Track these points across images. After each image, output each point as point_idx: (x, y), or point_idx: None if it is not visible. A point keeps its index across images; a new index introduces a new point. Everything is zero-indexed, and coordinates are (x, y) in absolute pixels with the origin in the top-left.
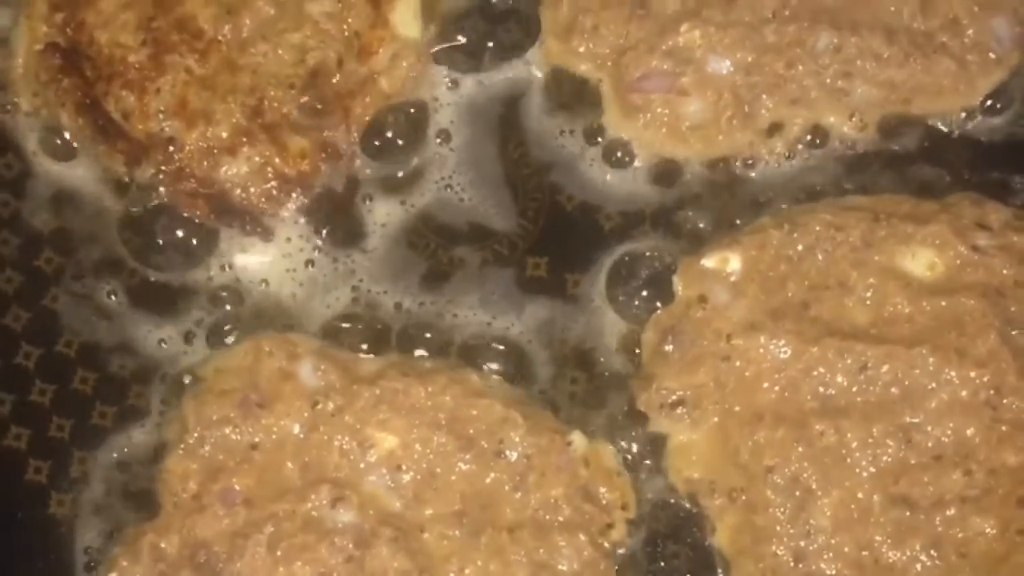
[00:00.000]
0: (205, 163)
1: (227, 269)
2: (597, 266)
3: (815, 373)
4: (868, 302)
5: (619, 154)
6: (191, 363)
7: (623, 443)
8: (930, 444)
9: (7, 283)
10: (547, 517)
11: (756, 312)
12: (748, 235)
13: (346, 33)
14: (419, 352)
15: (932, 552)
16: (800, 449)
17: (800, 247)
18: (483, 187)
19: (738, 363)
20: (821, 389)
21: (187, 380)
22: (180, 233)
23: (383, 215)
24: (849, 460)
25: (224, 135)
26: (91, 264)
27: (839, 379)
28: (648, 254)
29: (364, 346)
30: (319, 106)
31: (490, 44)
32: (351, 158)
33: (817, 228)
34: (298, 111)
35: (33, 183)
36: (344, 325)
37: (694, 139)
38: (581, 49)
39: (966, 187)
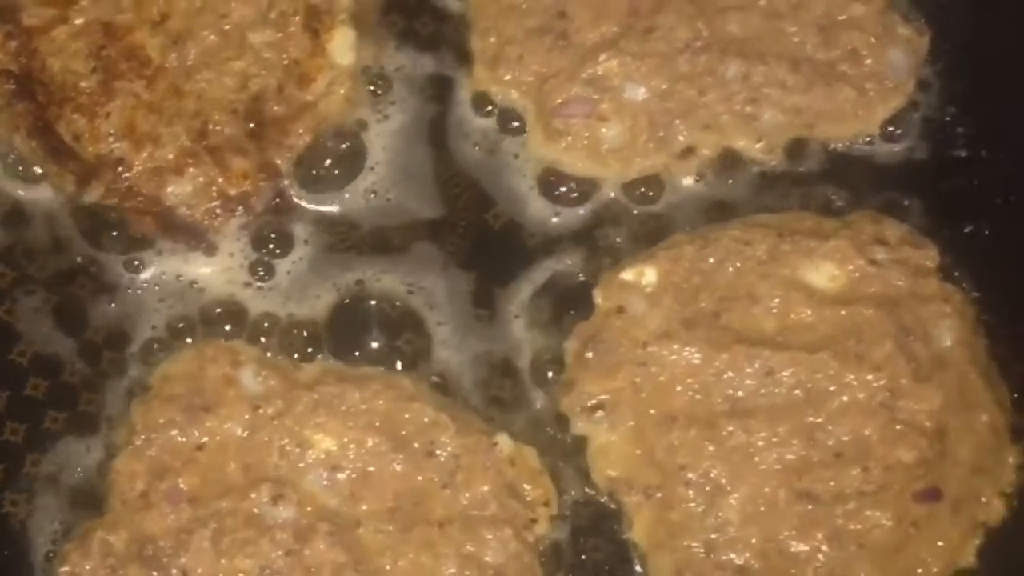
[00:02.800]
0: (152, 183)
1: (172, 283)
2: (522, 280)
3: (725, 377)
4: (774, 311)
5: (542, 175)
6: (139, 371)
7: (546, 444)
8: (831, 443)
9: None
10: (475, 513)
11: (670, 321)
12: (663, 250)
13: (286, 62)
14: (354, 359)
15: (833, 543)
16: (711, 448)
17: (711, 261)
18: (414, 205)
19: (653, 369)
20: (730, 392)
21: (134, 387)
22: (127, 248)
23: (319, 231)
24: (757, 458)
25: (170, 156)
26: (43, 278)
27: (747, 383)
28: (570, 269)
29: (302, 353)
30: (260, 129)
31: (422, 72)
32: (290, 178)
33: (727, 243)
34: (240, 134)
35: None
36: (283, 333)
37: (613, 161)
38: (507, 77)
39: (866, 206)
